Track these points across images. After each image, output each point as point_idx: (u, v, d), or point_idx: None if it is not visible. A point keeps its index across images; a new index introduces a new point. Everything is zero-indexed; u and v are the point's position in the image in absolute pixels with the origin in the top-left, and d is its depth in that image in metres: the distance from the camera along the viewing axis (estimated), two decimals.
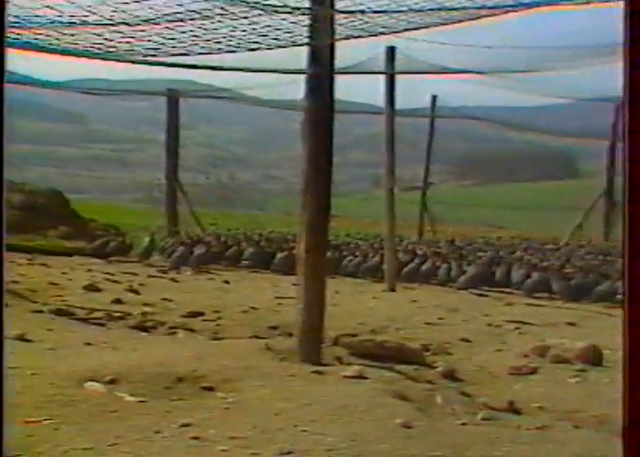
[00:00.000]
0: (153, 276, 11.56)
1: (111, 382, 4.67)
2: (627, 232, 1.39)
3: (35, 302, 7.67)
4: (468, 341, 7.18)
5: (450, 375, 5.67)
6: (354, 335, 6.59)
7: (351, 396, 4.49)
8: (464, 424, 4.29)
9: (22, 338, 5.54)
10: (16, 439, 3.51)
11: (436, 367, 5.87)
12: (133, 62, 8.92)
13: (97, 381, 4.63)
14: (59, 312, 7.17)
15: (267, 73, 12.63)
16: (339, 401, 4.36)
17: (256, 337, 6.94)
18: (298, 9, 6.45)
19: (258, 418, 4.08)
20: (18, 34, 5.63)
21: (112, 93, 17.04)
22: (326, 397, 4.46)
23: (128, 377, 4.80)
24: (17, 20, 5.26)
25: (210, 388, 4.69)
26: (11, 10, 5.09)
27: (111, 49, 5.44)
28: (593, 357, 6.18)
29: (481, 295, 11.15)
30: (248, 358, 5.48)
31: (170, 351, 5.67)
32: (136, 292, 9.47)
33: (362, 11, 5.92)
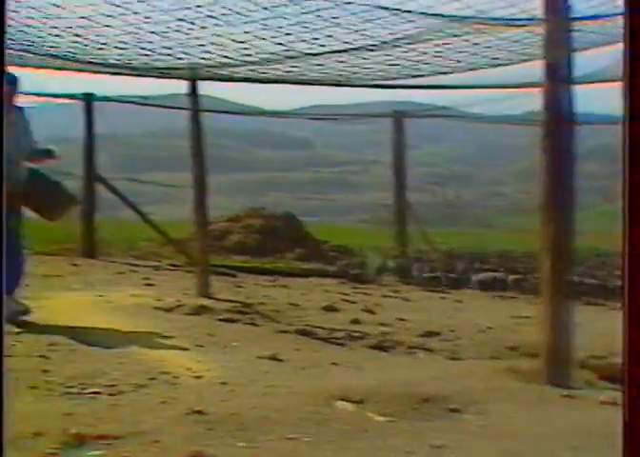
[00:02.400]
0: (387, 296, 11.70)
1: (360, 401, 4.75)
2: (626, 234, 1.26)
3: (279, 322, 8.01)
4: None
5: None
6: (603, 357, 6.24)
7: (612, 424, 4.24)
8: None
9: (275, 358, 5.81)
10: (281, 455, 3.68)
11: None
12: (364, 86, 9.18)
13: (346, 400, 4.73)
14: (302, 332, 7.43)
15: (489, 89, 12.44)
16: (599, 428, 4.13)
17: (495, 357, 6.78)
18: (530, 19, 6.29)
19: (513, 442, 3.96)
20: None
21: (340, 118, 17.58)
22: (582, 423, 4.25)
23: (375, 397, 4.86)
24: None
25: (457, 410, 4.63)
26: None
27: (340, 76, 5.65)
28: None
29: None
30: (491, 379, 5.36)
31: (412, 371, 5.69)
32: (372, 312, 9.62)
33: (602, 16, 5.67)
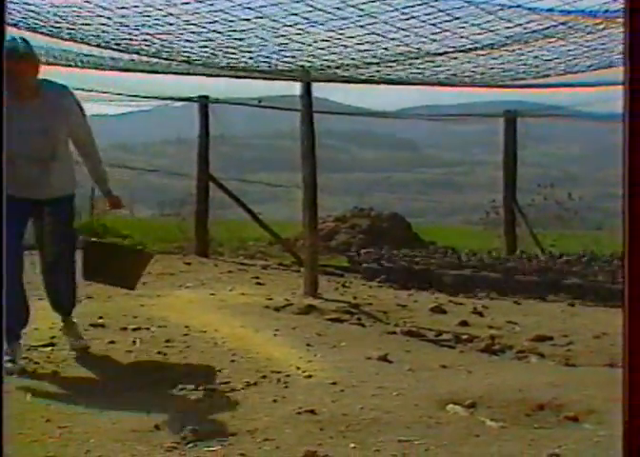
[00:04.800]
0: (496, 299, 11.48)
1: (471, 406, 4.68)
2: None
3: (387, 323, 7.98)
4: None
5: None
6: None
7: None
8: None
9: (384, 359, 5.79)
10: None
11: None
12: (474, 86, 9.03)
13: (458, 404, 4.67)
14: (410, 334, 7.38)
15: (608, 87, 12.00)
16: None
17: (611, 365, 6.53)
18: None
19: None
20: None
21: (448, 119, 17.36)
22: None
23: (486, 401, 4.78)
24: None
25: (575, 419, 4.49)
26: None
27: (468, 77, 5.56)
28: None
29: None
30: (610, 388, 5.16)
31: (524, 377, 5.55)
32: (481, 315, 9.46)
33: None
